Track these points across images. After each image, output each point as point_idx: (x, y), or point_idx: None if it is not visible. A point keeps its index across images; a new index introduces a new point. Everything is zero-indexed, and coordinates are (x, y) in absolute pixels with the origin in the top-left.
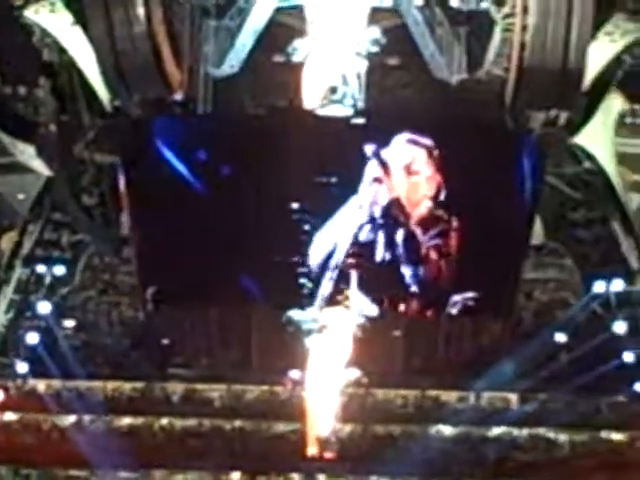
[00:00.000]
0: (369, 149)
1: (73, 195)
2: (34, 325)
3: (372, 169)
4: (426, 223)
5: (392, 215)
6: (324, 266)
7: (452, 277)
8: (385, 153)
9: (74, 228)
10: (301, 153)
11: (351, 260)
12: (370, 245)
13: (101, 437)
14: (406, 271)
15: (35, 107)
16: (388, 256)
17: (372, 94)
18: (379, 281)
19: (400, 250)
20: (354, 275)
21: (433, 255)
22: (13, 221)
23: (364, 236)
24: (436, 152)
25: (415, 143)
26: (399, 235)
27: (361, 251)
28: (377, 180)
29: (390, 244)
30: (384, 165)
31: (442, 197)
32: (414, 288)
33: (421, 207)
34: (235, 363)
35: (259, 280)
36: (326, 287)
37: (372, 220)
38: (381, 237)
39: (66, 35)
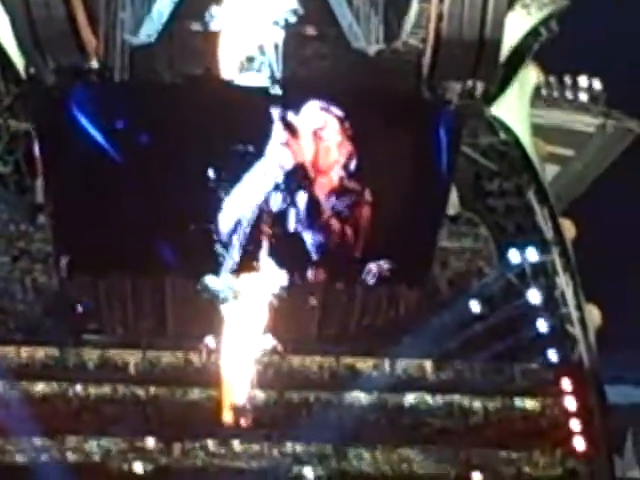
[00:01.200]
0: (276, 113)
1: None
2: None
3: (278, 133)
4: (336, 190)
5: (295, 180)
6: (234, 232)
7: (365, 246)
8: (293, 117)
9: None
10: (218, 122)
11: (259, 226)
12: (275, 211)
13: (15, 404)
14: (307, 237)
15: None
16: (292, 221)
17: (290, 64)
18: (284, 247)
19: (302, 216)
20: (264, 240)
21: (336, 222)
22: None
23: (270, 202)
24: (348, 121)
25: (328, 110)
26: (301, 200)
27: (268, 217)
28: (284, 144)
29: (293, 209)
30: (291, 128)
31: (353, 166)
32: (315, 255)
33: (332, 174)
34: (150, 330)
35: (174, 248)
36: (237, 252)
37: (276, 186)
38: (285, 203)
39: None
